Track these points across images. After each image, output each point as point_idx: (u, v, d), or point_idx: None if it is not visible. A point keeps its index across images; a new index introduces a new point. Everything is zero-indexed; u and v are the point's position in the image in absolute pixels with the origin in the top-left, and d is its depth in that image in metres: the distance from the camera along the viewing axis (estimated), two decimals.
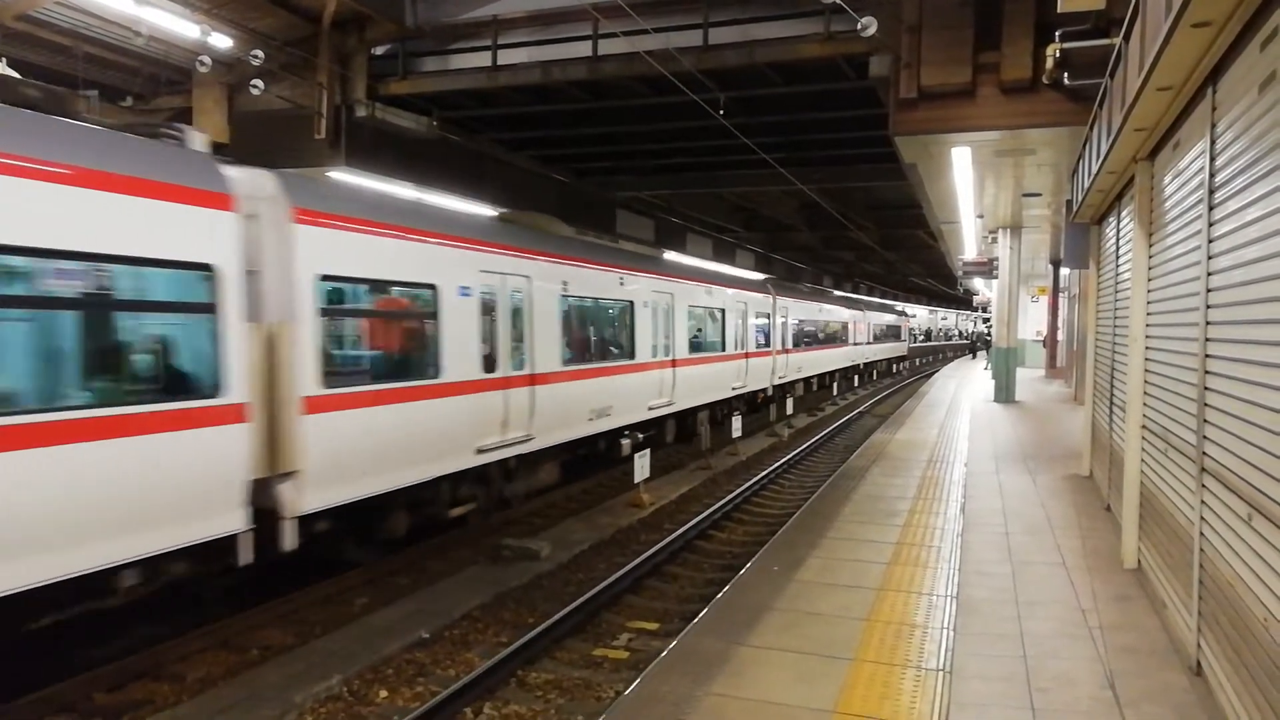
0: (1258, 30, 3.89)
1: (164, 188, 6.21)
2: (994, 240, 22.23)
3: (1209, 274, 4.84)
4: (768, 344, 22.18)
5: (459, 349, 9.42)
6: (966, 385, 28.52)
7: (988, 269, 24.80)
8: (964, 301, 71.12)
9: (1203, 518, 4.87)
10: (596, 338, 13.44)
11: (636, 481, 12.46)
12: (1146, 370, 7.01)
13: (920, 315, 72.92)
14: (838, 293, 37.97)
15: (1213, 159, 4.80)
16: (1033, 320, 35.00)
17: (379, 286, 8.62)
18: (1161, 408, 6.30)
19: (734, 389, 19.49)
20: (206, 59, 12.57)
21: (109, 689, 6.47)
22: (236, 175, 6.91)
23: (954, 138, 12.06)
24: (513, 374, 10.48)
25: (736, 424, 17.42)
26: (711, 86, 14.24)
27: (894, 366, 48.04)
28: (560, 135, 19.88)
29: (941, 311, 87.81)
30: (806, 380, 26.99)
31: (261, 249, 7.04)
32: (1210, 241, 4.83)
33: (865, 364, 37.94)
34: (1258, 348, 3.92)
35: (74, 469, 5.54)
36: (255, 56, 12.33)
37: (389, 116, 15.72)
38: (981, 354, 50.16)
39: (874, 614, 6.10)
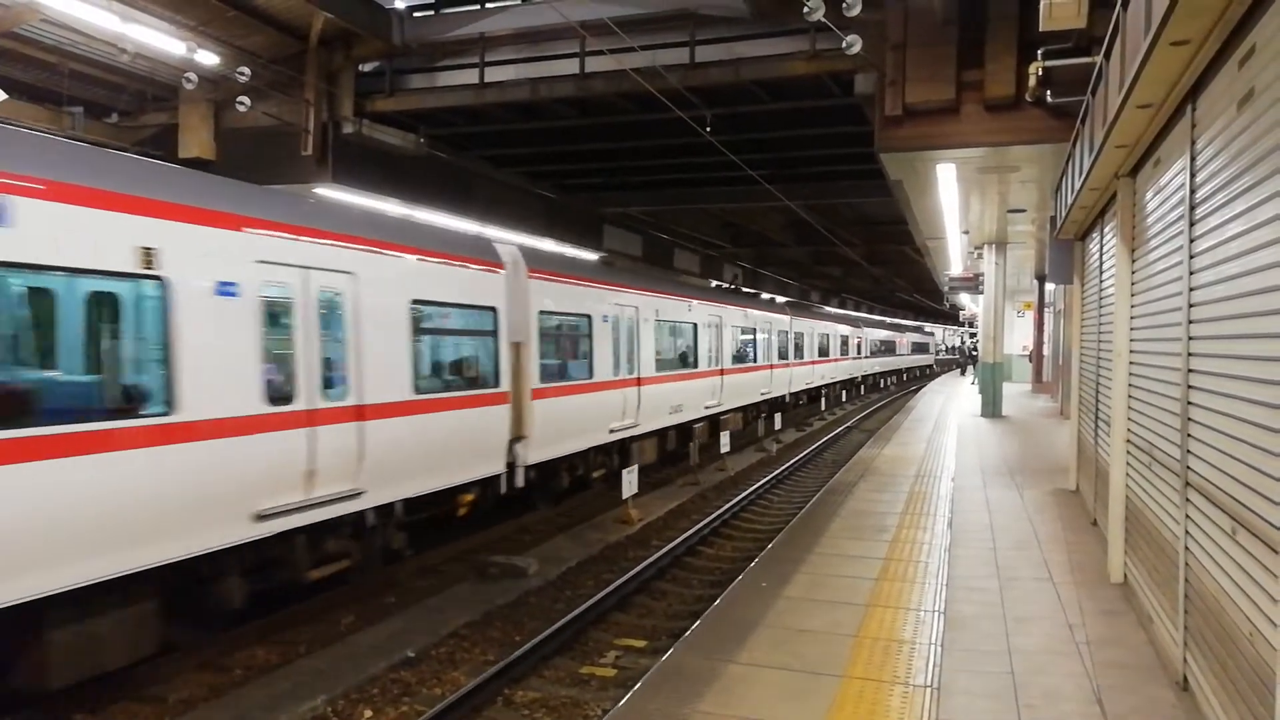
0: (1236, 48, 3.94)
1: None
2: (980, 256, 22.39)
3: (1191, 289, 4.88)
4: (858, 354, 38.88)
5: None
6: (953, 400, 28.62)
7: (974, 284, 24.96)
8: (951, 317, 72.17)
9: (1188, 532, 4.89)
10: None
11: (625, 498, 12.43)
12: (1131, 385, 7.05)
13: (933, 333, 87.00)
14: (889, 320, 58.16)
15: (1193, 175, 4.85)
16: (1019, 335, 35.21)
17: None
18: (1146, 422, 6.33)
19: (849, 375, 36.03)
20: (193, 76, 12.55)
21: (89, 710, 6.38)
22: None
23: (938, 154, 12.16)
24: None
25: (725, 440, 17.41)
26: (698, 104, 14.32)
27: (882, 381, 49.38)
28: (547, 152, 19.93)
29: (929, 326, 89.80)
30: (874, 375, 45.14)
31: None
32: (1192, 257, 4.87)
33: (905, 368, 58.45)
34: (1240, 362, 3.95)
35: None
36: (242, 74, 12.32)
37: (376, 134, 15.73)
38: (970, 370, 50.40)
39: (862, 630, 6.08)
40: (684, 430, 16.96)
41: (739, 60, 13.64)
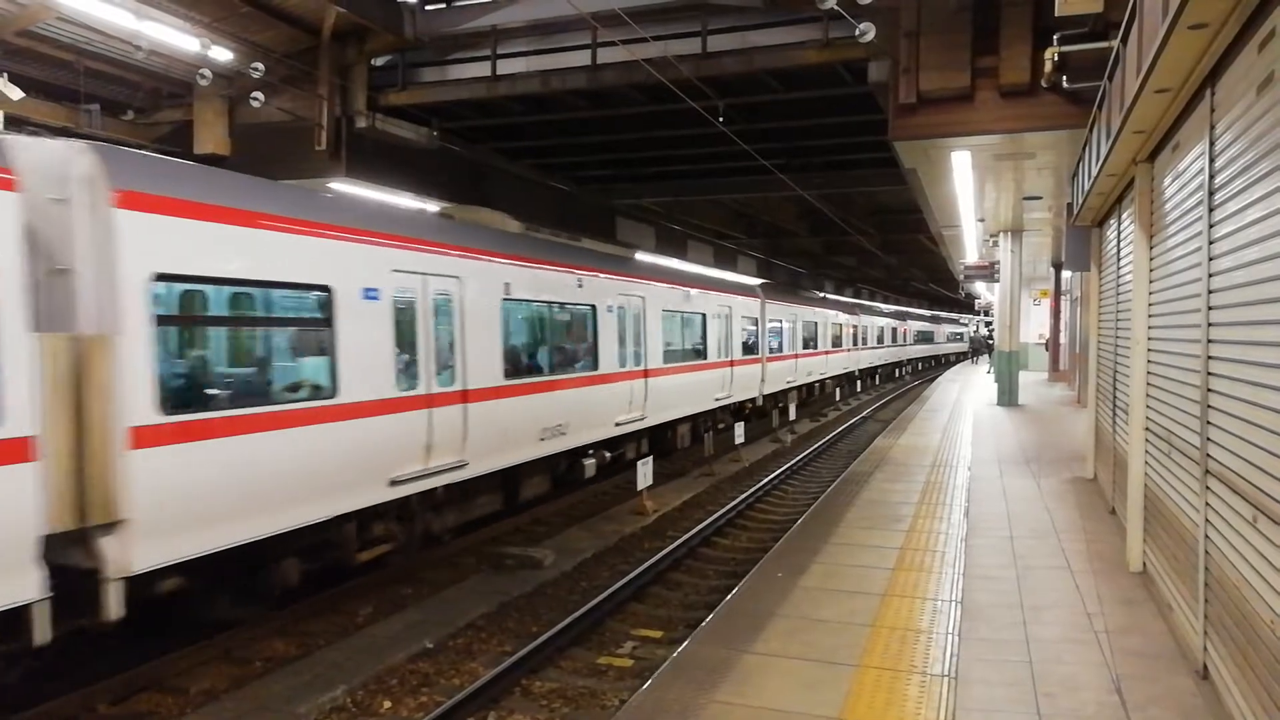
0: (1255, 32, 3.89)
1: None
2: (995, 244, 22.23)
3: (1210, 275, 4.84)
4: (904, 342, 49.23)
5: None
6: (969, 389, 28.48)
7: (989, 273, 24.79)
8: (966, 305, 72.29)
9: (1207, 520, 4.86)
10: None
11: (640, 489, 12.45)
12: (1149, 372, 6.99)
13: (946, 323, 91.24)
14: (928, 313, 69.35)
15: (1212, 160, 4.80)
16: (1035, 323, 34.96)
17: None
18: (1165, 410, 6.29)
19: (895, 358, 46.63)
20: (207, 72, 12.60)
21: (112, 701, 6.47)
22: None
23: (953, 142, 12.05)
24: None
25: (739, 430, 17.41)
26: (710, 94, 14.26)
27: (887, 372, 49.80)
28: (559, 144, 19.90)
29: (963, 318, 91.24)
30: (915, 359, 55.81)
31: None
32: (1211, 243, 4.83)
33: (942, 354, 69.40)
34: (1260, 349, 3.91)
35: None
36: (255, 69, 12.35)
37: (389, 127, 15.76)
38: (983, 358, 50.11)
39: (878, 620, 6.08)
40: (809, 387, 26.96)
41: (752, 49, 13.56)
